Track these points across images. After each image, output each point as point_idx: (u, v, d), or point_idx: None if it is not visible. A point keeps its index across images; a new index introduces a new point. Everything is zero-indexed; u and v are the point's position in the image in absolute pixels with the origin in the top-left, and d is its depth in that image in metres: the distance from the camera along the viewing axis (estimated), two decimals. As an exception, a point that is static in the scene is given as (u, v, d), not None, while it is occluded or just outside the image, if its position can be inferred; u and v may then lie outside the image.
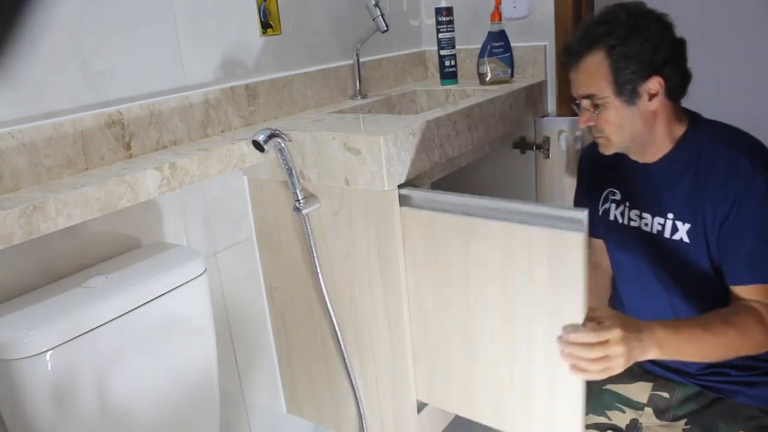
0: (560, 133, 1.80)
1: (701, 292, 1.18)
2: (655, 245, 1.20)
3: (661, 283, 1.22)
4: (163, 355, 1.08)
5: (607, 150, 1.19)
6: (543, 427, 1.16)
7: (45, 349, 0.90)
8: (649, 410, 1.25)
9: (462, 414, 1.31)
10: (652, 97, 1.12)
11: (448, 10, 1.82)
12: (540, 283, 1.07)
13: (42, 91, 1.05)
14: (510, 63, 1.78)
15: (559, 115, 1.87)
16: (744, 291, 1.10)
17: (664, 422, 1.23)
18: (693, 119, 1.18)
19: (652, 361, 1.27)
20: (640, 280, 1.26)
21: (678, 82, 1.13)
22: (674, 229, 1.17)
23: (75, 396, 0.95)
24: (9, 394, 0.92)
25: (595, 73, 1.13)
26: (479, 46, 1.79)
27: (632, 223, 1.24)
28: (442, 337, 1.27)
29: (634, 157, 1.21)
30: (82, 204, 0.97)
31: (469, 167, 1.91)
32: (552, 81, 1.86)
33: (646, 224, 1.22)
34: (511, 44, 1.78)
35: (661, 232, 1.19)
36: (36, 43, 1.03)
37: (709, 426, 1.17)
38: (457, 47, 1.87)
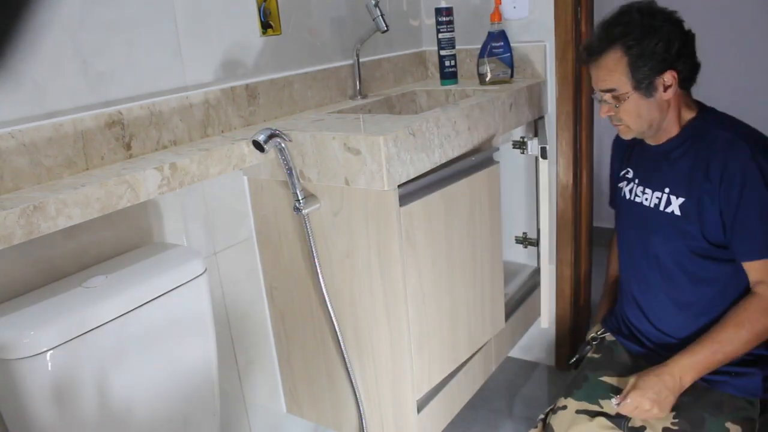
0: (527, 139, 1.82)
1: (690, 265, 1.27)
2: (651, 218, 1.31)
3: (653, 254, 1.31)
4: (163, 355, 1.08)
5: (627, 135, 1.31)
6: (489, 320, 1.60)
7: (45, 349, 0.90)
8: None
9: (451, 369, 1.49)
10: (666, 88, 1.21)
11: (448, 10, 1.82)
12: (484, 211, 1.50)
13: (42, 91, 1.06)
14: (510, 63, 1.78)
15: (558, 114, 1.87)
16: (754, 266, 1.20)
17: None
18: (702, 108, 1.29)
19: (648, 349, 1.35)
20: (635, 251, 1.37)
21: (689, 73, 1.23)
22: (668, 203, 1.28)
23: (75, 396, 0.95)
24: (9, 394, 0.92)
25: (614, 69, 1.22)
26: (479, 46, 1.79)
27: (636, 199, 1.36)
28: (437, 316, 1.39)
29: (648, 141, 1.32)
30: (82, 204, 0.97)
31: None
32: (552, 81, 1.86)
33: (647, 199, 1.33)
34: (511, 44, 1.78)
35: (657, 206, 1.30)
36: (36, 43, 1.03)
37: (697, 420, 1.20)
38: (457, 47, 1.87)
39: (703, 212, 1.22)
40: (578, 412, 1.29)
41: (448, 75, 1.87)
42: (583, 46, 1.30)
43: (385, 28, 1.60)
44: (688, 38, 1.22)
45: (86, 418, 0.97)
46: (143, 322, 1.04)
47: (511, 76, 1.79)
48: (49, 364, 0.91)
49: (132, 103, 1.19)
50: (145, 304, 1.03)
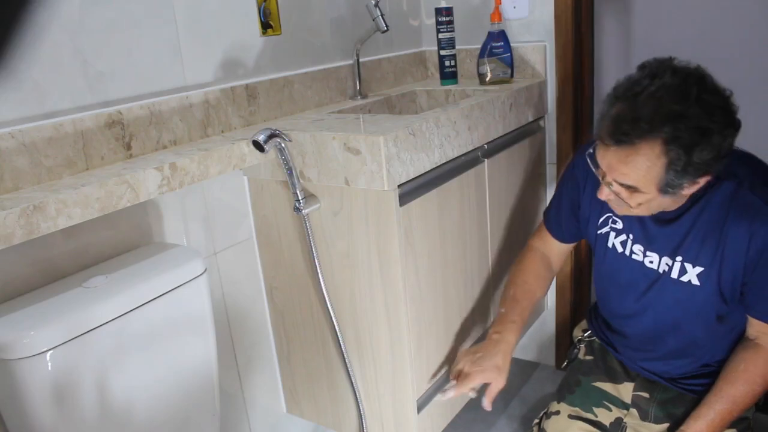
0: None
1: (703, 325, 1.19)
2: (659, 283, 1.19)
3: (657, 317, 1.22)
4: (163, 355, 1.08)
5: (623, 213, 1.13)
6: (479, 316, 1.60)
7: (45, 349, 0.90)
8: (634, 411, 1.27)
9: (446, 366, 1.47)
10: (694, 185, 1.03)
11: (448, 10, 1.82)
12: (472, 209, 1.50)
13: (42, 91, 1.06)
14: (510, 63, 1.78)
15: (558, 114, 1.87)
16: (763, 328, 1.14)
17: (646, 422, 1.25)
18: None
19: (634, 362, 1.31)
20: (634, 309, 1.25)
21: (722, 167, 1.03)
22: (682, 272, 1.15)
23: (75, 396, 0.95)
24: (9, 394, 0.92)
25: (645, 172, 0.99)
26: (479, 46, 1.79)
27: (634, 256, 1.22)
28: (434, 314, 1.39)
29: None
30: (82, 204, 0.97)
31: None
32: (552, 81, 1.86)
33: (651, 262, 1.19)
34: (511, 44, 1.78)
35: (667, 273, 1.17)
36: (36, 43, 1.03)
37: None
38: (457, 47, 1.87)
39: (723, 281, 1.11)
40: (571, 417, 1.28)
41: (448, 75, 1.87)
42: (610, 121, 0.99)
43: (385, 28, 1.60)
44: (733, 138, 0.99)
45: (86, 419, 0.97)
46: (143, 322, 1.03)
47: (511, 76, 1.79)
48: (49, 364, 0.91)
49: (132, 103, 1.19)
50: (145, 304, 1.03)
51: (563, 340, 2.11)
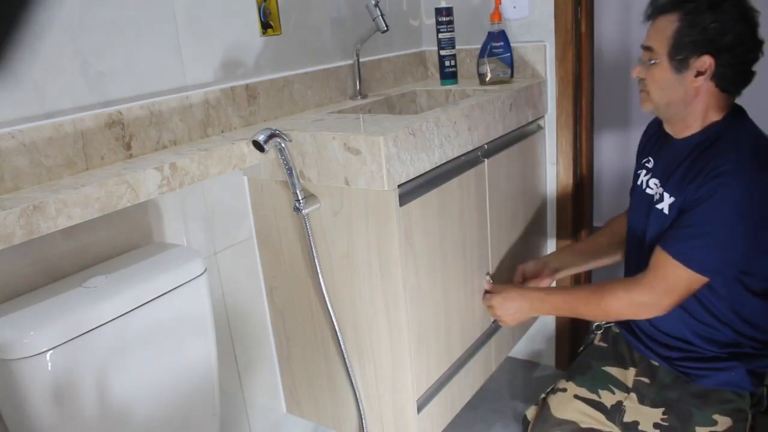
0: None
1: None
2: (650, 210, 1.30)
3: (647, 244, 1.30)
4: (163, 355, 1.08)
5: (645, 106, 1.28)
6: (480, 316, 1.59)
7: (45, 349, 0.90)
8: (633, 395, 1.32)
9: (446, 367, 1.49)
10: (698, 74, 1.17)
11: (448, 10, 1.82)
12: (472, 209, 1.50)
13: (42, 91, 1.06)
14: (510, 63, 1.78)
15: (558, 114, 1.87)
16: (659, 255, 1.20)
17: (644, 406, 1.30)
18: (733, 114, 1.22)
19: (640, 341, 1.36)
20: (633, 237, 1.38)
21: (730, 74, 1.16)
22: (661, 199, 1.26)
23: (75, 396, 0.95)
24: (9, 394, 0.92)
25: (662, 29, 1.19)
26: (479, 46, 1.79)
27: (648, 190, 1.33)
28: (434, 314, 1.40)
29: (668, 129, 1.29)
30: (82, 204, 0.97)
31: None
32: (552, 81, 1.86)
33: (651, 189, 1.32)
34: (511, 44, 1.78)
35: (655, 199, 1.29)
36: (36, 43, 1.03)
37: (684, 414, 1.23)
38: (457, 47, 1.87)
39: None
40: (576, 397, 1.34)
41: (448, 75, 1.87)
42: (648, 5, 1.25)
43: (385, 28, 1.60)
44: (751, 42, 1.15)
45: (86, 419, 0.97)
46: (143, 322, 1.04)
47: (511, 76, 1.79)
48: (49, 364, 0.91)
49: (132, 103, 1.19)
50: (145, 304, 1.03)
51: (563, 340, 2.11)
